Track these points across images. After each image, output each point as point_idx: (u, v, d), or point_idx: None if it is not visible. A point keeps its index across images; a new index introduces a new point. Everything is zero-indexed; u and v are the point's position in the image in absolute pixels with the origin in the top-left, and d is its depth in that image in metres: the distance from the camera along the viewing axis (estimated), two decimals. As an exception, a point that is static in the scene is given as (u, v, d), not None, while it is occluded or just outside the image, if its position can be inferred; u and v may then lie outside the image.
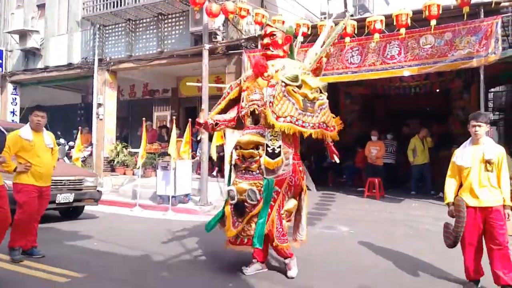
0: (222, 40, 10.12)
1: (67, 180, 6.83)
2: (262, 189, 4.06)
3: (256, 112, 4.24)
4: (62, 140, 12.07)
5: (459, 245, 3.97)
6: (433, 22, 7.37)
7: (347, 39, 8.22)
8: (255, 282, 4.08)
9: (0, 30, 14.58)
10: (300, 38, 5.24)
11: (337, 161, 4.42)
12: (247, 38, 9.89)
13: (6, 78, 14.36)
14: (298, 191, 4.36)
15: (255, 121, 4.28)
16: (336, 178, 11.57)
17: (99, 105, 12.17)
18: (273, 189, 4.08)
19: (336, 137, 4.33)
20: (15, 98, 14.47)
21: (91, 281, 4.08)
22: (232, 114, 4.63)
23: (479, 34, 7.40)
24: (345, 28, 8.04)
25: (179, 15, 11.00)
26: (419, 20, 7.58)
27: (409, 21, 7.53)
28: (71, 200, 6.83)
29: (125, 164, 11.82)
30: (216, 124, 4.59)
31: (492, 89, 11.77)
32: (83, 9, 12.16)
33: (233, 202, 4.19)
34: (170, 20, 11.23)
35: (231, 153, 4.49)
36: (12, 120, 13.73)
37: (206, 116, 7.00)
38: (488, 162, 3.81)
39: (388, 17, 7.79)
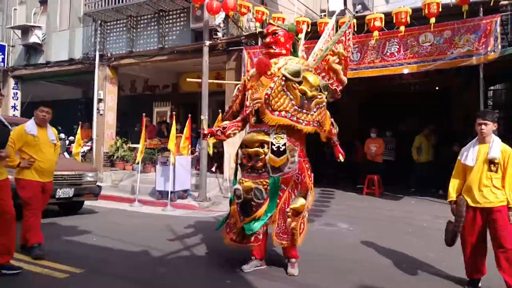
0: (223, 36, 10.15)
1: (67, 175, 6.86)
2: (268, 187, 4.07)
3: (261, 110, 4.23)
4: (62, 135, 12.12)
5: (459, 243, 3.96)
6: (433, 20, 7.38)
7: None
8: (253, 279, 4.10)
9: (2, 26, 14.64)
10: (301, 36, 5.21)
11: (342, 160, 4.46)
12: (247, 35, 9.90)
13: (8, 73, 14.44)
14: (305, 189, 4.31)
15: (259, 120, 4.26)
16: (335, 174, 11.56)
17: (100, 100, 12.23)
18: (279, 187, 4.09)
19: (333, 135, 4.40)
20: (16, 93, 14.56)
21: (90, 276, 4.11)
22: (239, 116, 4.65)
23: (478, 32, 7.41)
24: (349, 26, 8.04)
25: (179, 11, 11.03)
26: (418, 18, 7.58)
27: (408, 19, 7.53)
28: (71, 195, 6.86)
29: (125, 159, 11.88)
30: (224, 128, 4.54)
31: (492, 87, 11.75)
32: (85, 5, 12.22)
33: (239, 201, 4.20)
34: (171, 17, 11.25)
35: (237, 152, 4.49)
36: (13, 115, 13.81)
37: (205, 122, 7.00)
38: (491, 162, 3.71)
39: (388, 15, 7.79)
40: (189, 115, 9.60)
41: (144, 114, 9.54)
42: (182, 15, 11.03)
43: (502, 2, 7.62)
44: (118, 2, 11.27)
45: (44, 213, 5.04)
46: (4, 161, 4.05)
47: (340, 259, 4.92)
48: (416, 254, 5.03)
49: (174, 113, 9.87)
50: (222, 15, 9.60)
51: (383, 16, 7.84)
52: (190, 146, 9.97)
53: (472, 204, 3.81)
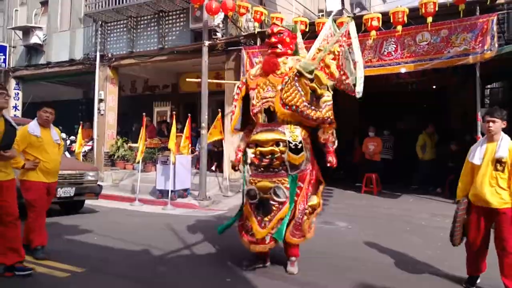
0: (222, 37, 10.20)
1: (68, 174, 6.90)
2: (288, 185, 4.11)
3: (271, 109, 4.26)
4: (63, 135, 12.19)
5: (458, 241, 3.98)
6: (430, 19, 7.41)
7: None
8: (253, 277, 4.13)
9: (4, 27, 14.72)
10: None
11: (334, 165, 4.33)
12: (246, 35, 9.96)
13: (9, 73, 14.52)
14: (317, 185, 4.40)
15: (270, 118, 4.30)
16: (333, 173, 11.62)
17: (100, 100, 12.31)
18: (296, 184, 4.15)
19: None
20: (18, 94, 14.64)
21: (91, 275, 4.14)
22: (247, 126, 4.64)
23: (475, 31, 7.44)
24: (342, 25, 8.08)
25: (179, 12, 11.09)
26: (415, 17, 7.61)
27: (405, 19, 7.57)
28: (72, 194, 6.92)
29: (125, 158, 11.95)
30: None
31: (489, 86, 11.78)
32: (86, 6, 12.27)
33: (255, 201, 4.19)
34: (170, 17, 11.31)
35: (244, 152, 4.44)
36: (14, 115, 13.90)
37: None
38: (498, 161, 3.59)
39: (385, 15, 7.83)
40: (189, 114, 9.67)
41: (144, 114, 9.61)
42: (181, 15, 11.09)
43: (498, 1, 7.66)
44: (119, 3, 11.33)
45: (46, 212, 5.08)
46: (10, 162, 4.04)
47: (339, 257, 4.95)
48: (415, 252, 5.06)
49: (174, 112, 9.94)
50: (221, 15, 9.65)
51: (380, 15, 7.88)
52: (190, 145, 10.04)
53: (477, 204, 3.75)
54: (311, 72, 4.08)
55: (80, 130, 11.23)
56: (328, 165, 4.27)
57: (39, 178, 4.53)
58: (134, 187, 9.73)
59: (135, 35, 11.88)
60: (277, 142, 4.12)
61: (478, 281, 3.95)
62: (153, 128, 12.56)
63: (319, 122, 4.18)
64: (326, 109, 4.17)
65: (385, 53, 8.21)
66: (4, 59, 14.27)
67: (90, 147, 12.51)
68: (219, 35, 10.07)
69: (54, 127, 4.85)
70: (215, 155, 10.81)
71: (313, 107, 4.13)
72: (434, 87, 11.69)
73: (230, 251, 5.00)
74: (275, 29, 4.44)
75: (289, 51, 4.48)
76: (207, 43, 9.36)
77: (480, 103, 7.95)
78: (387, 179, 10.12)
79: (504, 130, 3.76)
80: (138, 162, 9.70)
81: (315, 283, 4.07)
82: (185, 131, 9.40)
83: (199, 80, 9.37)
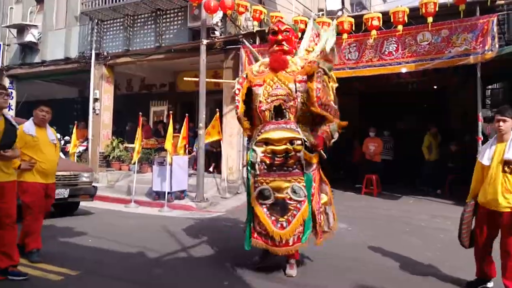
0: (220, 35, 10.10)
1: (62, 175, 6.76)
2: (305, 184, 4.06)
3: (283, 107, 4.20)
4: (57, 135, 12.05)
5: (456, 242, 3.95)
6: (430, 19, 7.38)
7: (345, 35, 8.21)
8: (251, 279, 4.07)
9: (-2, 25, 14.54)
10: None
11: (324, 156, 4.32)
12: (245, 33, 9.86)
13: (3, 72, 14.33)
14: (325, 183, 4.46)
15: (279, 116, 4.22)
16: (333, 173, 11.53)
17: (96, 99, 12.16)
18: (312, 184, 4.12)
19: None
20: (12, 92, 14.42)
21: (85, 278, 4.06)
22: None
23: (475, 31, 7.41)
24: (342, 24, 8.05)
25: (177, 10, 10.98)
26: (416, 17, 7.58)
27: (406, 18, 7.53)
28: (66, 196, 6.79)
29: (121, 159, 11.82)
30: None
31: (490, 86, 11.77)
32: (82, 4, 12.13)
33: (269, 201, 4.11)
34: (168, 16, 11.20)
35: (252, 151, 4.24)
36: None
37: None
38: (506, 162, 3.50)
39: (385, 14, 7.80)
40: (187, 114, 9.55)
41: (140, 113, 9.48)
42: (179, 14, 10.97)
43: (498, 2, 7.64)
44: (115, 1, 11.21)
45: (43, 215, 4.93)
46: (12, 162, 3.97)
47: (339, 258, 4.90)
48: (415, 254, 5.02)
49: (171, 112, 9.82)
50: (219, 14, 9.56)
51: (380, 15, 7.85)
52: (187, 145, 9.93)
53: (484, 206, 3.69)
54: (330, 69, 4.24)
55: (74, 130, 11.07)
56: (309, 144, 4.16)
57: (36, 179, 4.43)
58: (129, 189, 9.59)
59: (131, 34, 11.75)
60: (290, 141, 4.05)
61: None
62: (149, 128, 12.43)
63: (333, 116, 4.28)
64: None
65: (386, 52, 8.15)
66: (-2, 58, 14.10)
67: (84, 148, 12.35)
68: (217, 33, 9.98)
69: (50, 127, 4.77)
70: (213, 155, 10.69)
71: (332, 103, 4.30)
72: (435, 87, 11.66)
73: (227, 253, 4.94)
74: (282, 27, 4.41)
75: (294, 50, 4.52)
76: (205, 41, 9.26)
77: (481, 104, 7.91)
78: (387, 180, 10.06)
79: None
80: (134, 163, 9.56)
81: (315, 285, 4.03)
82: (182, 131, 9.29)
83: (197, 79, 9.27)
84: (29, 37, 13.21)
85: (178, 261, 4.75)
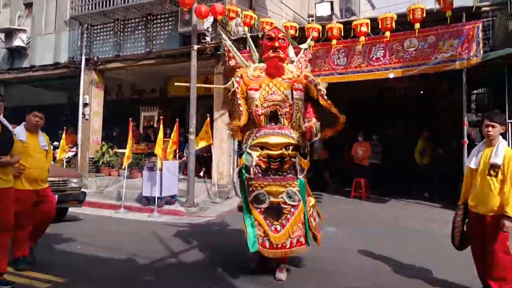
0: (211, 40, 10.12)
1: (51, 181, 6.55)
2: (299, 189, 4.15)
3: (279, 112, 4.30)
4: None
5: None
6: (417, 26, 7.49)
7: (334, 41, 8.30)
8: (241, 284, 4.08)
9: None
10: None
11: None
12: (236, 39, 9.89)
13: (-9, 76, 14.16)
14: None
15: (273, 121, 4.32)
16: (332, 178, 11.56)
17: (85, 105, 12.08)
18: (305, 188, 4.23)
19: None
20: (-1, 98, 14.28)
21: (73, 285, 4.02)
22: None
23: (461, 37, 7.55)
24: (332, 30, 8.15)
25: (168, 15, 10.98)
26: (403, 23, 7.69)
27: (393, 25, 7.64)
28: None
29: (111, 164, 11.73)
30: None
31: (475, 91, 11.97)
32: (71, 8, 12.04)
33: (264, 205, 4.16)
34: (159, 21, 11.19)
35: (246, 155, 4.24)
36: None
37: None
38: (492, 166, 3.55)
39: (374, 20, 7.90)
40: (177, 119, 9.54)
41: (131, 119, 9.45)
42: (170, 19, 10.98)
43: (483, 8, 7.79)
44: (105, 6, 11.17)
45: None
46: (10, 168, 3.94)
47: (328, 262, 4.92)
48: (403, 257, 5.06)
49: (161, 117, 9.80)
50: (210, 19, 9.59)
51: (369, 21, 7.94)
52: (178, 150, 9.90)
53: (473, 210, 3.73)
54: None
55: (63, 136, 10.97)
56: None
57: (24, 187, 4.34)
58: (119, 194, 9.53)
59: (122, 39, 11.71)
60: (286, 146, 4.14)
61: None
62: (137, 134, 12.36)
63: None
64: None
65: (374, 58, 8.26)
66: (-15, 62, 13.94)
67: (74, 153, 12.24)
68: (208, 39, 9.99)
69: (43, 133, 4.73)
70: (204, 160, 10.67)
71: None
72: (421, 92, 11.81)
73: (218, 258, 4.93)
74: (279, 34, 4.54)
75: (287, 57, 4.67)
76: (196, 47, 9.29)
77: (466, 108, 8.04)
78: (376, 184, 10.14)
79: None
80: (124, 168, 9.51)
81: (304, 290, 4.03)
82: (172, 136, 9.28)
83: (187, 84, 9.27)
84: (17, 42, 13.09)
85: (168, 267, 4.73)
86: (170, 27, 10.98)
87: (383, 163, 10.46)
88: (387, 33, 7.75)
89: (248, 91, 4.40)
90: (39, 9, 13.40)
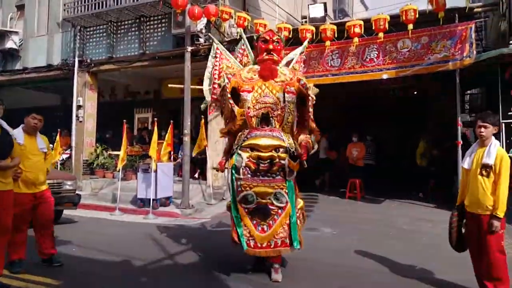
0: (205, 42, 10.11)
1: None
2: (287, 190, 4.18)
3: (270, 115, 4.34)
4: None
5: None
6: (410, 27, 7.54)
7: (327, 43, 8.33)
8: (237, 286, 4.08)
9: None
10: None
11: (305, 165, 4.41)
12: (229, 40, 9.90)
13: (-17, 79, 14.03)
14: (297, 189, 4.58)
15: (265, 123, 4.36)
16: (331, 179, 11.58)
17: (79, 107, 12.02)
18: (294, 190, 4.25)
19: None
20: (-8, 100, 14.13)
21: None
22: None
23: (454, 38, 7.61)
24: (325, 31, 8.18)
25: (161, 17, 10.96)
26: (396, 24, 7.74)
27: (387, 26, 7.68)
28: (49, 204, 6.67)
29: (105, 167, 11.67)
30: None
31: (468, 92, 12.07)
32: (64, 10, 12.01)
33: (251, 206, 4.19)
34: (152, 22, 11.17)
35: (237, 155, 4.32)
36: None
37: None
38: (484, 166, 3.59)
39: (367, 22, 7.94)
40: (171, 121, 9.52)
41: (125, 120, 9.41)
42: (163, 20, 10.96)
43: (476, 9, 7.86)
44: (98, 7, 11.13)
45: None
46: (10, 171, 3.93)
47: (324, 263, 4.93)
48: (398, 258, 5.08)
49: (156, 119, 9.76)
50: (203, 20, 9.58)
51: (362, 22, 7.98)
52: (172, 152, 9.87)
53: (468, 210, 3.76)
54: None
55: (57, 138, 10.90)
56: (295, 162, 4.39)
57: (21, 190, 4.31)
58: (114, 196, 9.49)
59: (115, 40, 11.67)
60: (276, 148, 4.18)
61: None
62: (130, 136, 12.30)
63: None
64: None
65: (367, 59, 8.31)
66: (-22, 65, 13.81)
67: (68, 155, 12.16)
68: (201, 40, 9.98)
69: (42, 136, 4.71)
70: (198, 162, 10.66)
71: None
72: (415, 93, 11.89)
73: (213, 260, 4.93)
74: (274, 37, 4.57)
75: (281, 60, 4.69)
76: (189, 48, 9.28)
77: (460, 109, 8.10)
78: (371, 184, 10.18)
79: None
80: (119, 170, 9.47)
81: (301, 291, 4.03)
82: (166, 137, 9.25)
83: (181, 86, 9.25)
84: (9, 44, 12.99)
85: (164, 269, 4.72)
86: (163, 28, 10.96)
87: (378, 164, 10.52)
88: (381, 34, 7.79)
89: (241, 93, 4.43)
90: (31, 11, 13.31)
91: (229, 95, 4.43)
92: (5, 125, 3.89)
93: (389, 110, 12.46)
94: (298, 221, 4.35)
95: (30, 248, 5.13)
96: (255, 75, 4.52)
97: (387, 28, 7.74)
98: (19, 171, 4.21)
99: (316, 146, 4.66)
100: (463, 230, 3.94)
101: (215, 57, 5.23)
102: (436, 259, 4.97)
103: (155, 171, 8.68)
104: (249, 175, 4.23)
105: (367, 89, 10.69)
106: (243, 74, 4.58)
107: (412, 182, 10.12)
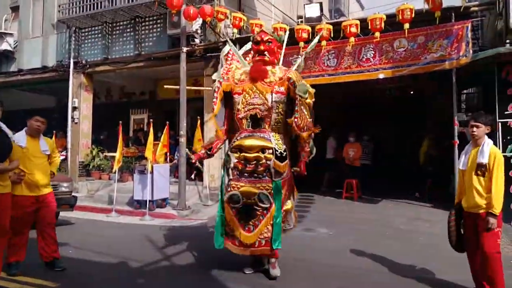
0: (200, 43, 10.09)
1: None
2: (272, 191, 4.18)
3: (258, 116, 4.35)
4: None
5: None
6: (407, 26, 7.53)
7: (324, 43, 8.32)
8: (233, 286, 4.08)
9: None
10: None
11: (302, 173, 4.56)
12: (225, 41, 9.86)
13: (-22, 81, 13.93)
14: (292, 190, 4.61)
15: (255, 125, 4.38)
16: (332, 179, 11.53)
17: (74, 108, 11.97)
18: (281, 191, 4.24)
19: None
20: (-14, 102, 14.02)
21: (63, 290, 3.95)
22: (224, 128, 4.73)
23: (450, 37, 7.61)
24: (321, 31, 8.16)
25: (156, 17, 10.91)
26: (392, 24, 7.73)
27: (383, 25, 7.67)
28: (44, 206, 6.63)
29: (101, 168, 11.62)
30: (210, 149, 4.69)
31: (465, 91, 12.09)
32: (59, 11, 11.96)
33: (238, 206, 4.22)
34: (147, 23, 11.13)
35: (226, 156, 4.46)
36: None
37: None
38: (478, 165, 3.64)
39: (363, 21, 7.93)
40: (167, 122, 9.48)
41: (120, 122, 9.36)
42: (158, 21, 10.92)
43: (472, 8, 7.87)
44: (93, 8, 11.08)
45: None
46: (8, 174, 3.91)
47: (321, 263, 4.93)
48: (395, 258, 5.08)
49: (151, 120, 9.72)
50: (199, 21, 9.55)
51: (358, 22, 7.97)
52: (168, 153, 9.83)
53: (466, 210, 3.79)
54: (306, 92, 4.25)
55: (53, 140, 10.80)
56: (295, 173, 4.55)
57: (23, 192, 4.30)
58: (110, 198, 9.44)
59: (110, 41, 11.62)
60: (262, 149, 4.20)
61: None
62: (124, 137, 12.23)
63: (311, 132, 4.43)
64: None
65: (364, 59, 8.29)
66: (-28, 67, 13.71)
67: (63, 157, 12.08)
68: (197, 41, 9.95)
69: (45, 138, 4.71)
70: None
71: (311, 119, 4.41)
72: (411, 92, 11.91)
73: (210, 261, 4.90)
74: (265, 37, 4.53)
75: (275, 60, 4.64)
76: (185, 49, 9.24)
77: (456, 108, 8.11)
78: (368, 184, 10.17)
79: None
80: (115, 172, 9.42)
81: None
82: (162, 138, 9.22)
83: (177, 86, 9.21)
84: (4, 46, 12.90)
85: (161, 270, 4.70)
86: (158, 29, 10.92)
87: (374, 164, 10.51)
88: (377, 34, 7.77)
89: (233, 96, 4.50)
90: (26, 13, 13.24)
91: (217, 100, 4.53)
92: (4, 127, 3.89)
93: (387, 109, 12.46)
94: (287, 223, 4.41)
95: (29, 250, 5.12)
96: (246, 77, 4.54)
97: (383, 28, 7.71)
98: (22, 173, 4.21)
99: (314, 151, 4.68)
100: (462, 231, 3.94)
101: (226, 58, 5.17)
102: (434, 259, 4.96)
103: (151, 173, 8.65)
104: (237, 176, 4.29)
105: (363, 89, 10.69)
106: (236, 77, 4.62)
107: (410, 182, 10.12)
